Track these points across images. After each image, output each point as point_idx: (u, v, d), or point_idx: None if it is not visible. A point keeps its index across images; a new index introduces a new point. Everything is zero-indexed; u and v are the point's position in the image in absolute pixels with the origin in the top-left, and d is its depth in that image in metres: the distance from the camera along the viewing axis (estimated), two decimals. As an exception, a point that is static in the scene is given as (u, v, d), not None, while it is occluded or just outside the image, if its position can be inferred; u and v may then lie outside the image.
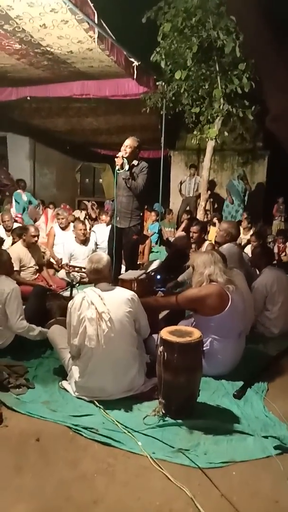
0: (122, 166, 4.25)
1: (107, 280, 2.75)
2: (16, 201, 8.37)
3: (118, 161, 4.24)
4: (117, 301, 2.60)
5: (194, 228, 4.92)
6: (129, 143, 4.32)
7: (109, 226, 5.27)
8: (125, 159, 4.25)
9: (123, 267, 4.79)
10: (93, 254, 2.96)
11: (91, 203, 10.34)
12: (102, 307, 2.52)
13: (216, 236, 4.49)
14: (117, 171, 4.29)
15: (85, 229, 5.61)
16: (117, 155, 4.28)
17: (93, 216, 9.15)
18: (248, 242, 6.45)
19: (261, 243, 5.82)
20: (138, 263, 5.09)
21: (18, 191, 8.70)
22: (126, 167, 4.24)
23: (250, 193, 9.47)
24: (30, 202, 8.70)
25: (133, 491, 1.89)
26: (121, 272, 4.40)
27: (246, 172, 9.89)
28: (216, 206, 10.01)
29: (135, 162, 4.38)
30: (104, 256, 2.79)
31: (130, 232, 4.46)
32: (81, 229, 5.46)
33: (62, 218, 6.01)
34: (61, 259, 5.63)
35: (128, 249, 4.56)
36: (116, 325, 2.53)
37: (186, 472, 2.00)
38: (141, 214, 4.70)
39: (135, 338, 2.68)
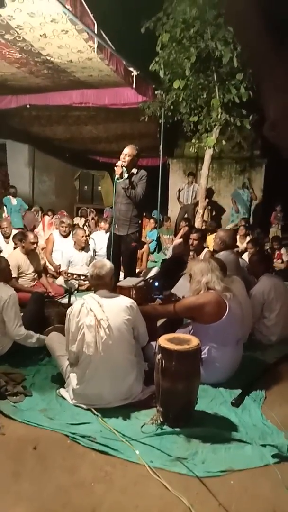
0: (121, 175, 4.26)
1: (108, 287, 2.75)
2: (5, 205, 9.02)
3: (118, 170, 4.26)
4: (116, 309, 2.60)
5: (194, 236, 4.94)
6: (128, 152, 4.33)
7: (108, 233, 5.29)
8: (124, 168, 4.26)
9: (121, 274, 4.80)
10: (96, 260, 2.98)
11: (90, 210, 10.38)
12: (101, 314, 2.52)
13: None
14: (116, 180, 4.31)
15: (86, 236, 5.63)
16: (116, 164, 4.30)
17: (92, 223, 9.18)
18: (246, 249, 6.47)
19: (258, 250, 5.85)
20: (136, 270, 5.10)
21: (8, 196, 9.16)
22: (125, 175, 4.26)
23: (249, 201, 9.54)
24: (20, 207, 9.19)
25: (131, 500, 1.88)
26: (120, 279, 4.41)
27: (244, 180, 9.96)
28: (214, 214, 10.06)
29: (134, 171, 4.40)
30: (107, 263, 2.79)
31: (129, 240, 4.47)
32: (83, 236, 5.48)
33: (66, 226, 6.02)
34: (59, 265, 5.64)
35: (127, 256, 4.56)
36: (114, 333, 2.53)
37: (184, 481, 1.99)
38: (140, 221, 4.71)
39: (133, 345, 2.68)
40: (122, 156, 4.35)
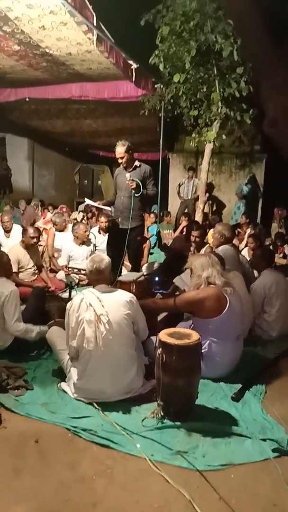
0: (138, 190, 4.22)
1: (107, 282, 2.75)
2: None
3: (133, 185, 4.18)
4: (115, 303, 2.60)
5: (196, 233, 4.94)
6: (121, 152, 4.27)
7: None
8: (137, 181, 4.20)
9: (124, 270, 4.81)
10: (94, 255, 2.96)
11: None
12: (101, 309, 2.52)
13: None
14: (135, 195, 4.25)
15: (87, 231, 5.62)
16: (130, 182, 4.20)
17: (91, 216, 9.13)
18: (246, 244, 6.47)
19: (259, 244, 5.85)
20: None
21: None
22: (141, 188, 4.22)
23: (254, 196, 9.51)
24: None
25: (131, 494, 1.89)
26: (122, 273, 4.43)
27: (244, 175, 9.93)
28: (215, 208, 10.04)
29: (137, 163, 4.37)
30: (105, 257, 2.79)
31: (134, 234, 4.44)
32: (85, 231, 5.47)
33: (56, 225, 6.03)
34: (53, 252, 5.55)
35: (133, 250, 4.54)
36: (114, 327, 2.53)
37: (185, 474, 2.00)
38: (143, 214, 4.69)
39: (133, 340, 2.68)
40: (119, 159, 4.32)
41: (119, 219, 4.45)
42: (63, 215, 6.68)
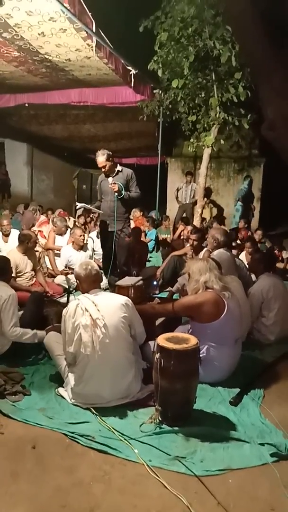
0: (119, 193, 4.41)
1: (99, 285, 2.80)
2: None
3: (115, 188, 4.38)
4: (111, 307, 2.61)
5: (193, 236, 4.95)
6: (102, 162, 4.45)
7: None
8: (119, 184, 4.40)
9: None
10: (81, 262, 2.96)
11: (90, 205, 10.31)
12: (96, 313, 2.53)
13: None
14: (118, 197, 4.44)
15: (84, 235, 5.63)
16: (111, 184, 4.40)
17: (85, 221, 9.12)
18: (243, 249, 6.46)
19: (256, 249, 5.86)
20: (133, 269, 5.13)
21: None
22: (123, 192, 4.43)
23: (247, 200, 9.55)
24: None
25: (129, 499, 1.88)
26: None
27: (242, 179, 9.97)
28: (216, 213, 10.06)
29: (119, 168, 4.55)
30: (90, 261, 2.88)
31: (122, 235, 4.62)
32: (80, 235, 5.48)
33: (55, 226, 6.08)
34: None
35: (121, 251, 4.68)
36: (111, 331, 2.53)
37: (183, 479, 2.00)
38: (129, 215, 4.88)
39: (130, 343, 2.67)
40: (102, 169, 4.50)
41: (108, 223, 4.61)
42: (65, 220, 6.70)
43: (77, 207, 6.42)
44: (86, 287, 2.75)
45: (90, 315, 2.51)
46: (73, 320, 2.54)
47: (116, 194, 4.41)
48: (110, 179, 4.43)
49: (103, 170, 4.50)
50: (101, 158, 4.45)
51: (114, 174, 4.49)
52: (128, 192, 4.49)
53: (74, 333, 2.54)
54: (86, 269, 2.73)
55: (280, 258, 7.18)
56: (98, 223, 6.28)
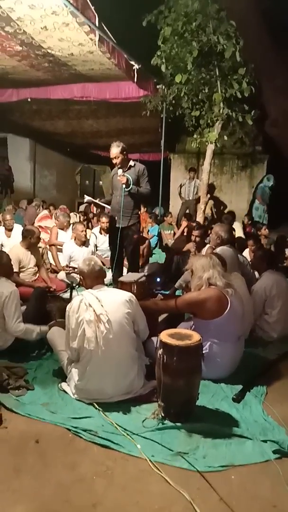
0: (127, 184, 4.31)
1: (103, 281, 2.79)
2: None
3: (123, 180, 4.29)
4: (115, 303, 2.61)
5: (196, 232, 4.93)
6: (115, 153, 4.35)
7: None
8: (127, 176, 4.29)
9: (124, 269, 4.82)
10: (84, 258, 2.96)
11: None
12: (100, 309, 2.53)
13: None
14: (125, 190, 4.34)
15: (85, 231, 5.63)
16: (119, 176, 4.32)
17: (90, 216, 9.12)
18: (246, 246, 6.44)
19: (259, 246, 5.84)
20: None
21: None
22: (130, 182, 4.32)
23: (249, 197, 9.52)
24: None
25: (132, 494, 1.89)
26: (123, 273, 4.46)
27: (246, 176, 9.93)
28: (222, 208, 10.00)
29: (132, 163, 4.46)
30: (93, 257, 2.87)
31: (131, 232, 4.52)
32: (82, 231, 5.48)
33: (57, 220, 6.08)
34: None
35: (130, 248, 4.60)
36: (114, 327, 2.53)
37: (185, 475, 2.00)
38: (139, 212, 4.77)
39: (134, 339, 2.68)
40: (113, 160, 4.40)
41: (116, 218, 4.51)
42: (68, 216, 6.71)
43: (84, 201, 6.43)
44: (90, 283, 2.74)
45: (94, 311, 2.51)
46: (76, 316, 2.54)
47: (124, 186, 4.31)
48: (120, 171, 4.33)
49: (114, 161, 4.40)
50: (115, 149, 4.34)
51: (126, 169, 4.39)
52: (137, 187, 4.37)
53: (78, 328, 2.54)
54: (89, 265, 2.73)
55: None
56: (101, 219, 6.28)
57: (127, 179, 4.28)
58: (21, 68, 6.67)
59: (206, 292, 2.87)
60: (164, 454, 2.13)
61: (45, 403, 2.57)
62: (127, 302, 2.62)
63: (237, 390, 2.76)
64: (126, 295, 2.68)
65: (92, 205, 10.10)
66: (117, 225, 4.49)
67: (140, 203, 4.84)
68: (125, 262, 4.89)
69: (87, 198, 5.12)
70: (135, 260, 4.69)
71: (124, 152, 4.38)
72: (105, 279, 2.89)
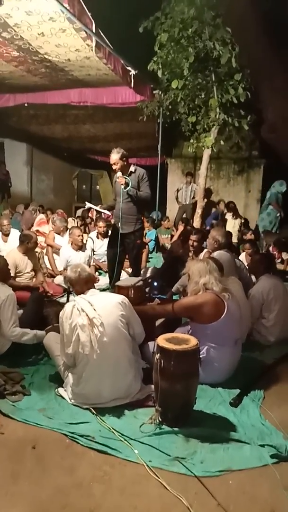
0: (126, 185, 4.35)
1: (93, 285, 2.81)
2: None
3: (121, 181, 4.33)
4: (108, 306, 2.61)
5: (194, 237, 4.95)
6: (115, 159, 4.39)
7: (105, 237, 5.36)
8: (126, 177, 4.34)
9: (123, 273, 4.82)
10: (71, 266, 2.98)
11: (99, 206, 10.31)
12: (93, 313, 2.53)
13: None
14: (123, 190, 4.38)
15: (82, 236, 5.63)
16: (117, 177, 4.37)
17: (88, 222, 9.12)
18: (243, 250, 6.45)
19: (256, 250, 5.85)
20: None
21: None
22: (130, 184, 4.36)
23: (246, 202, 9.55)
24: None
25: (129, 500, 1.88)
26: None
27: (242, 180, 9.97)
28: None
29: (132, 168, 4.48)
30: (82, 263, 2.88)
31: (134, 237, 4.53)
32: (79, 235, 5.48)
33: (54, 225, 6.08)
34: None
35: (134, 254, 4.63)
36: (109, 330, 2.53)
37: (183, 480, 1.99)
38: (142, 218, 4.80)
39: (130, 342, 2.67)
40: (113, 166, 4.43)
41: (119, 224, 4.50)
42: (65, 221, 6.71)
43: (86, 207, 6.45)
44: (80, 289, 2.77)
45: (87, 315, 2.51)
46: (70, 321, 2.55)
47: (123, 187, 4.34)
48: (119, 173, 4.36)
49: (114, 168, 4.43)
50: (114, 155, 4.38)
51: (127, 175, 4.43)
52: (136, 190, 4.40)
53: (72, 334, 2.54)
54: (76, 272, 2.77)
55: (279, 259, 7.17)
56: (98, 224, 6.28)
57: (126, 180, 4.33)
58: (18, 74, 6.70)
59: (203, 297, 2.88)
60: (161, 459, 2.12)
61: (42, 408, 2.56)
62: (120, 305, 2.63)
63: (235, 395, 2.76)
64: (118, 297, 2.69)
65: (92, 210, 10.12)
66: (120, 231, 4.50)
67: (143, 208, 4.84)
68: (127, 269, 4.92)
69: (88, 204, 5.14)
70: (137, 264, 4.71)
71: (124, 158, 4.41)
72: (101, 284, 2.91)
